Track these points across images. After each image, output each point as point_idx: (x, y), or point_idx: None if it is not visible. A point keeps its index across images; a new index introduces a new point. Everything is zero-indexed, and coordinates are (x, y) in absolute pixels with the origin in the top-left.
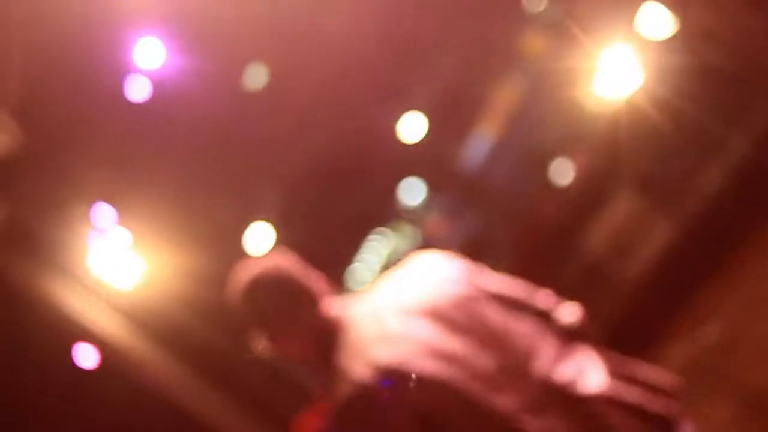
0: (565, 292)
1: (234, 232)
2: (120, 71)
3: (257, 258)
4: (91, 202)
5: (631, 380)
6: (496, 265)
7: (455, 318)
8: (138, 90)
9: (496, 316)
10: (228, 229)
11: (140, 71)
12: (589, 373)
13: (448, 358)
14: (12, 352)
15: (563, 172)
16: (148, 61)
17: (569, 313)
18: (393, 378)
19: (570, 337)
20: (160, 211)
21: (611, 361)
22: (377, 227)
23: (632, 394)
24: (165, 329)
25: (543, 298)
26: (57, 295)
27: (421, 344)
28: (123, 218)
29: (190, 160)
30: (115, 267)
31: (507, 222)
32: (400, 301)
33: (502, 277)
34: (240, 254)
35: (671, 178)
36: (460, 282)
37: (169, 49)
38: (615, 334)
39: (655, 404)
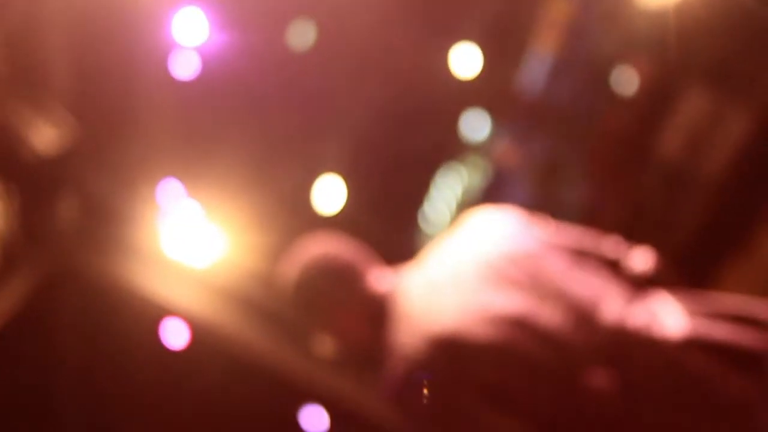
0: (646, 203)
1: (304, 192)
2: (166, 48)
3: (302, 247)
4: (158, 181)
5: (715, 317)
6: (572, 186)
7: (514, 277)
8: (186, 65)
9: (558, 269)
10: (298, 189)
11: (186, 46)
12: (665, 315)
13: (508, 321)
14: (97, 342)
15: (627, 81)
16: (193, 35)
17: (640, 259)
18: (450, 350)
19: (643, 284)
20: (227, 181)
21: (691, 301)
22: (447, 165)
23: (717, 332)
24: (247, 301)
25: (610, 246)
26: (138, 279)
27: (478, 310)
28: (192, 192)
29: (249, 127)
30: (191, 243)
31: (577, 140)
32: (455, 267)
33: (564, 228)
34: (313, 214)
35: (742, 68)
36: (517, 238)
37: (213, 20)
38: (701, 235)
39: (744, 339)
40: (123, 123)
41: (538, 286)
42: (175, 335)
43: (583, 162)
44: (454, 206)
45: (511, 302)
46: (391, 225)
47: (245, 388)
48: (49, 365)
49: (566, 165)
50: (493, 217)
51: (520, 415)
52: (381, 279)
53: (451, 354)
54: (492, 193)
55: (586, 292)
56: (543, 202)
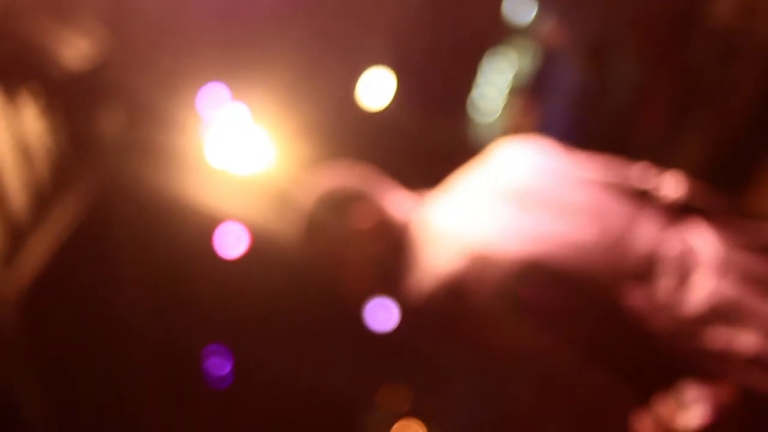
0: (699, 76)
1: (351, 89)
2: None
3: (314, 182)
4: (201, 85)
5: (752, 248)
6: (622, 64)
7: (544, 202)
8: None
9: (587, 199)
10: (345, 86)
11: None
12: (700, 245)
13: (541, 239)
14: (154, 252)
15: None
16: None
17: (672, 186)
18: (483, 262)
19: (676, 212)
20: (273, 82)
21: (727, 230)
22: (493, 50)
23: (752, 265)
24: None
25: (640, 174)
26: (188, 188)
27: (510, 227)
28: (237, 96)
29: (293, 25)
30: (238, 148)
31: (624, 14)
32: (482, 192)
33: (593, 159)
34: (360, 111)
35: None
36: (546, 168)
37: None
38: (760, 108)
39: None
40: (163, 28)
41: (568, 211)
42: (230, 243)
43: (632, 37)
44: (504, 91)
45: (543, 222)
46: (439, 115)
47: (304, 293)
48: (110, 278)
49: (615, 42)
50: (521, 148)
51: (556, 329)
52: (400, 207)
53: (484, 266)
54: (541, 75)
55: (617, 219)
56: (592, 82)
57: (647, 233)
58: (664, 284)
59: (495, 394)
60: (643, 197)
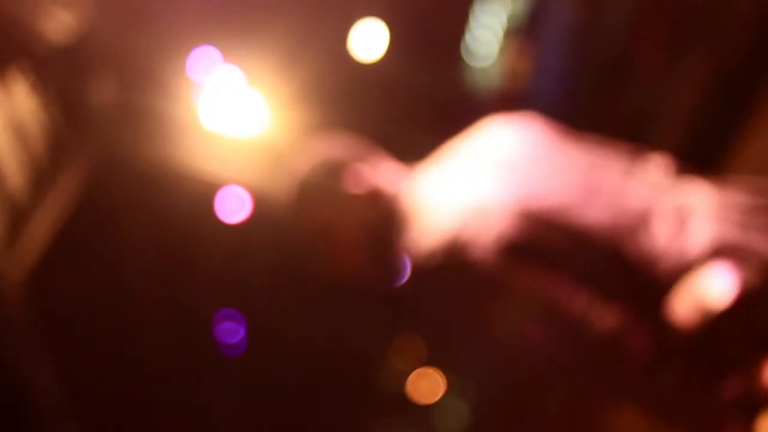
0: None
1: (343, 41)
2: None
3: (312, 148)
4: (190, 50)
5: (748, 201)
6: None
7: (534, 169)
8: None
9: (580, 164)
10: (338, 39)
11: None
12: (695, 197)
13: (532, 193)
14: (157, 222)
15: None
16: None
17: (657, 168)
18: (478, 217)
19: (668, 174)
20: (264, 38)
21: (722, 186)
22: None
23: (748, 213)
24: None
25: (624, 158)
26: (185, 156)
27: (500, 186)
28: (229, 58)
29: None
30: (233, 111)
31: None
32: (471, 161)
33: (581, 137)
34: (354, 63)
35: None
36: (534, 143)
37: None
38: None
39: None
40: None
41: (561, 173)
42: (232, 208)
43: None
44: (498, 34)
45: (537, 181)
46: (434, 63)
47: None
48: (115, 250)
49: None
50: (509, 124)
51: (560, 277)
52: (392, 177)
53: (481, 220)
54: (535, 15)
55: (610, 179)
56: (587, 18)
57: (641, 190)
58: (663, 232)
59: (509, 342)
60: (633, 168)
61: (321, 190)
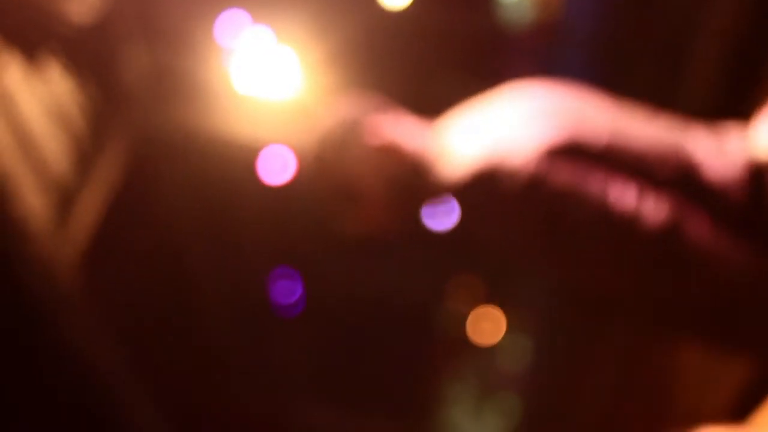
0: None
1: None
2: None
3: (335, 106)
4: (218, 13)
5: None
6: None
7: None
8: None
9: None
10: None
11: None
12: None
13: (562, 124)
14: (204, 193)
15: None
16: None
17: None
18: (508, 148)
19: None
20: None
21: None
22: None
23: None
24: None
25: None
26: (222, 122)
27: (526, 124)
28: (258, 18)
29: None
30: (266, 73)
31: None
32: (492, 114)
33: (606, 111)
34: (381, 11)
35: None
36: (554, 119)
37: None
38: None
39: None
40: None
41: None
42: (276, 169)
43: None
44: None
45: (563, 117)
46: (463, 2)
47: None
48: (164, 224)
49: None
50: (529, 87)
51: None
52: (415, 133)
53: (512, 149)
54: None
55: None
56: None
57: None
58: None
59: (568, 277)
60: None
61: (340, 146)
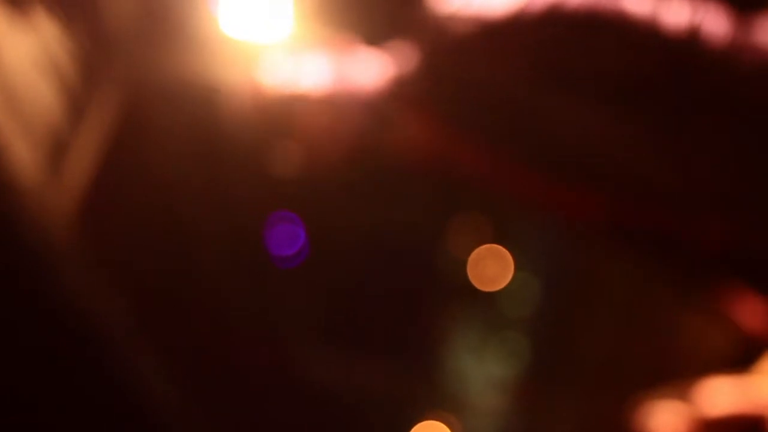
0: None
1: None
2: None
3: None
4: None
5: None
6: None
7: None
8: None
9: None
10: None
11: None
12: None
13: None
14: (198, 138)
15: None
16: None
17: None
18: None
19: None
20: None
21: None
22: None
23: None
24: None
25: None
26: (211, 69)
27: None
28: None
29: None
30: (255, 15)
31: None
32: None
33: None
34: None
35: None
36: None
37: None
38: None
39: None
40: None
41: None
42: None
43: None
44: None
45: None
46: None
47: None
48: (159, 170)
49: None
50: None
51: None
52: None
53: None
54: None
55: None
56: None
57: None
58: None
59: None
60: None
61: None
